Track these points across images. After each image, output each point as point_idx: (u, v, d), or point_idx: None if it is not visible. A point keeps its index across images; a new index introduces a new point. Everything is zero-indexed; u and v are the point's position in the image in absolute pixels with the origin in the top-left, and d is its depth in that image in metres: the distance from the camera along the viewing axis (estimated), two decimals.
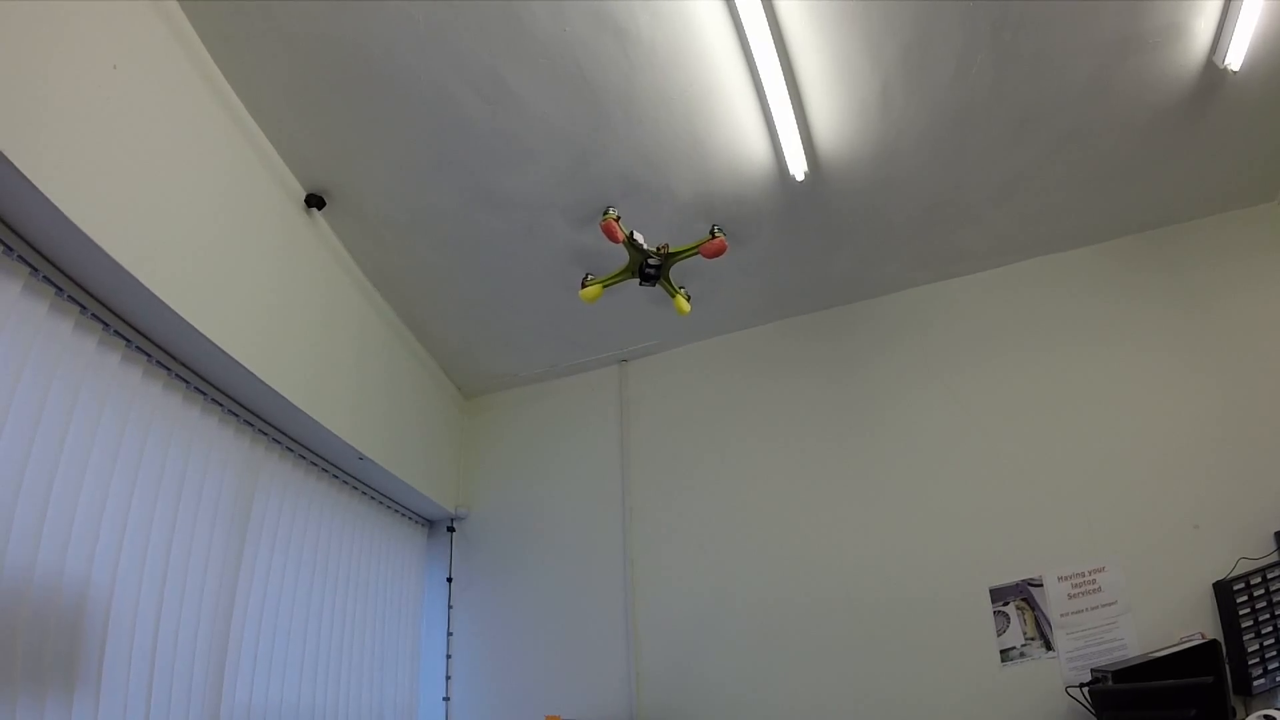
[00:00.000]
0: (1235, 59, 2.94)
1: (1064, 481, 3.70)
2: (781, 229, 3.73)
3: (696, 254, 3.26)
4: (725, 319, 4.52)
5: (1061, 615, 3.49)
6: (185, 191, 2.50)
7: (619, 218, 3.17)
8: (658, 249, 3.15)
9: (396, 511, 4.38)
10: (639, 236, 3.15)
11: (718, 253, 3.21)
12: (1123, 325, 3.88)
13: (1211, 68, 3.04)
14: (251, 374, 2.78)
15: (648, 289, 3.57)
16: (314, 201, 3.23)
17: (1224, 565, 3.31)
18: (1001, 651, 3.53)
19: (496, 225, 3.56)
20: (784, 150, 3.16)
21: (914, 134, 3.24)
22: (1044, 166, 3.50)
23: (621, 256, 3.49)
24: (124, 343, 2.46)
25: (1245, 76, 3.07)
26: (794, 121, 3.02)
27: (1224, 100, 3.23)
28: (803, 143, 3.13)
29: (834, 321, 4.45)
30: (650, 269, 3.10)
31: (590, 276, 3.28)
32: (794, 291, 4.32)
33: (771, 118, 3.00)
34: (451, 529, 4.72)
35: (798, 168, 3.21)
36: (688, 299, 3.23)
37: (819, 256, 4.01)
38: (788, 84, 2.86)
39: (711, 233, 3.18)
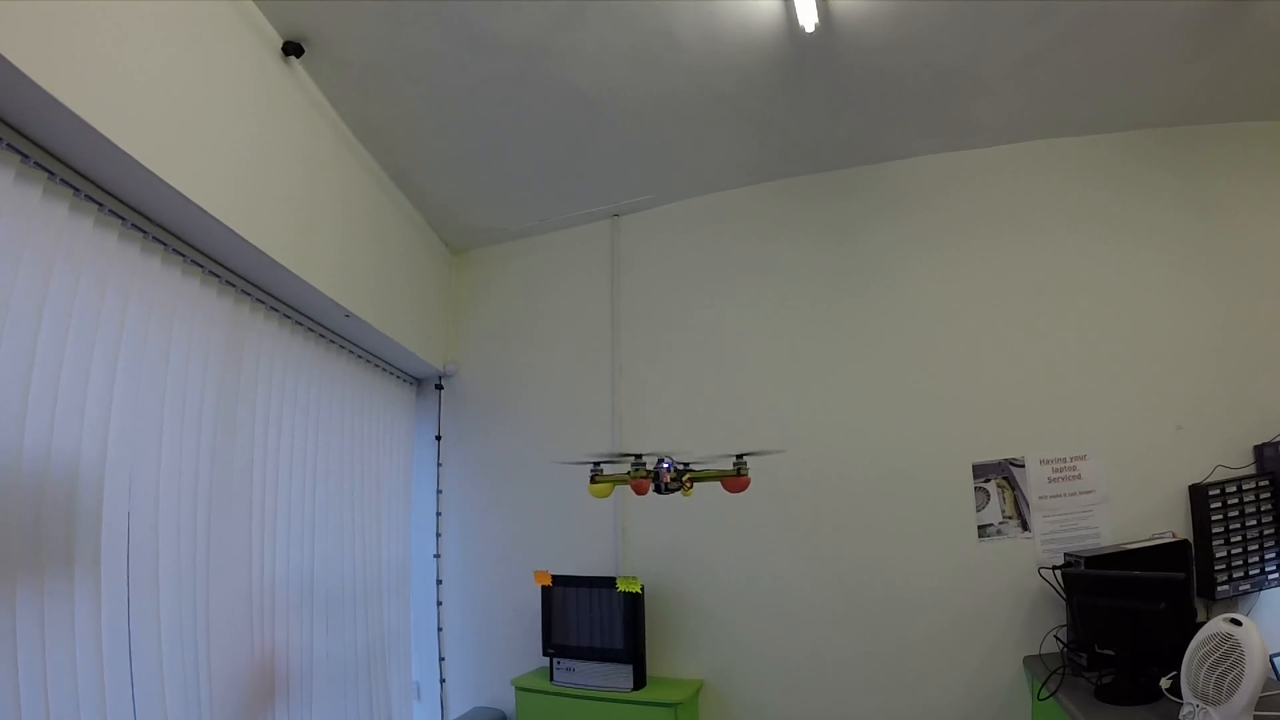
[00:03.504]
0: None
1: (1055, 367, 3.70)
2: (787, 84, 3.52)
3: (718, 481, 2.83)
4: (722, 175, 4.36)
5: (1040, 498, 3.59)
6: (151, 41, 2.29)
7: (648, 472, 2.71)
8: (680, 476, 2.73)
9: (385, 370, 4.37)
10: (665, 472, 2.70)
11: (740, 489, 2.80)
12: (1129, 219, 3.77)
13: None
14: (231, 231, 2.66)
15: None
16: (292, 49, 2.99)
17: (1202, 470, 3.38)
18: (979, 527, 3.65)
19: (487, 70, 3.34)
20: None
21: None
22: (1066, 44, 3.28)
23: None
24: (96, 207, 2.33)
25: None
26: None
27: (1260, 4, 2.99)
28: None
29: (834, 185, 4.29)
30: (668, 489, 2.71)
31: (601, 471, 2.84)
32: (795, 151, 4.14)
33: None
34: (440, 387, 4.73)
35: (808, 18, 2.99)
36: (691, 487, 2.79)
37: (824, 116, 3.81)
38: None
39: (738, 469, 2.77)
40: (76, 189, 2.24)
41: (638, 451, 2.74)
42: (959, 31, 3.21)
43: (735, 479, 2.78)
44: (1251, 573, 3.17)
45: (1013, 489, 3.63)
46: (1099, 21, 3.13)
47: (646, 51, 3.29)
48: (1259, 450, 3.34)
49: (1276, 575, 3.17)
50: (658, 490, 2.72)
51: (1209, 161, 3.76)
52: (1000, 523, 3.62)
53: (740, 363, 4.20)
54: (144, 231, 2.53)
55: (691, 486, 2.77)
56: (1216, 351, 3.53)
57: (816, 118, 3.83)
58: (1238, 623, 2.25)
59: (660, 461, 2.71)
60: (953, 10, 3.08)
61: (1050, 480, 3.58)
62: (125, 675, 2.32)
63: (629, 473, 2.72)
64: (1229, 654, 2.20)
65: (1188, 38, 3.22)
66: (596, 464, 2.84)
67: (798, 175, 4.36)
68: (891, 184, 4.18)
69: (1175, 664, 2.41)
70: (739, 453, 2.77)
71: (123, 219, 2.43)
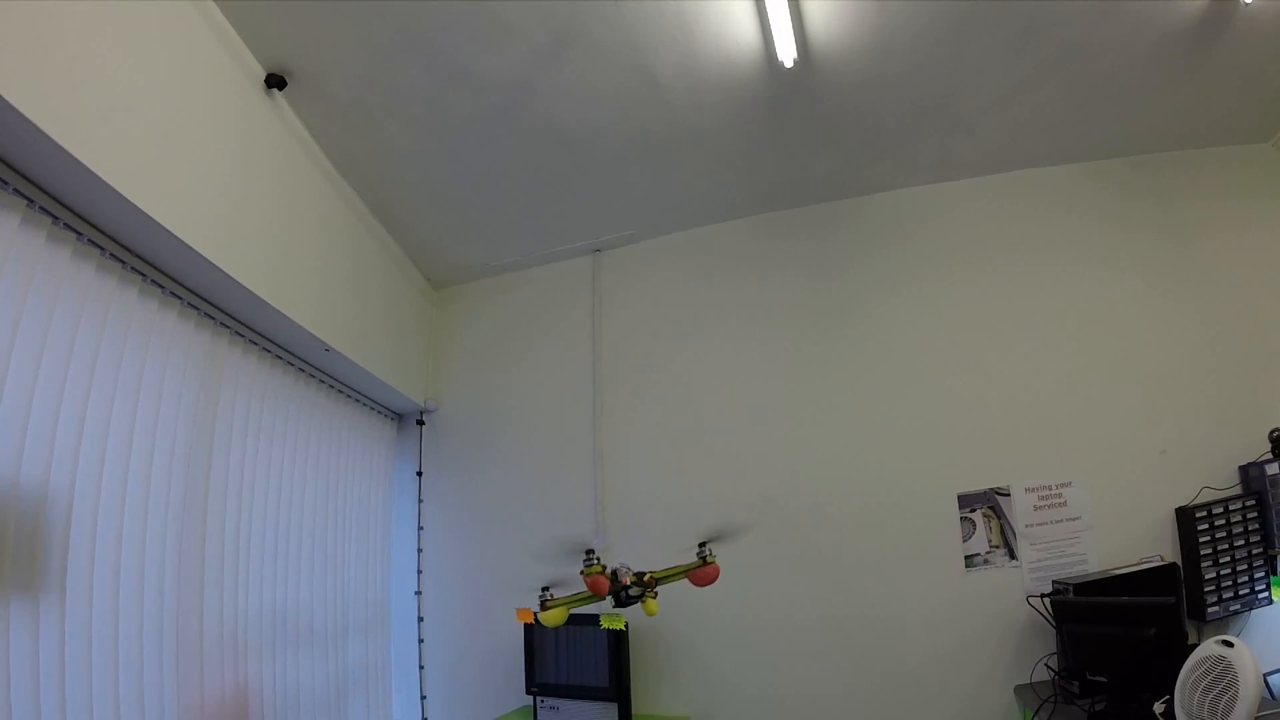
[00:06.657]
0: None
1: (1037, 395, 3.72)
2: (766, 119, 3.56)
3: (683, 578, 2.61)
4: (704, 211, 4.38)
5: (1026, 526, 3.58)
6: (134, 70, 2.28)
7: (604, 567, 2.53)
8: (641, 578, 2.54)
9: (365, 405, 4.32)
10: (623, 573, 2.55)
11: (709, 581, 2.57)
12: (1108, 248, 3.84)
13: None
14: (209, 262, 2.62)
15: None
16: (275, 82, 2.99)
17: (1188, 493, 3.39)
18: (966, 557, 3.62)
19: (470, 107, 3.35)
20: (774, 35, 2.97)
21: (911, 31, 3.06)
22: (1042, 79, 3.36)
23: None
24: (75, 236, 2.30)
25: (1257, 10, 2.95)
26: (786, 5, 2.83)
27: (1233, 33, 3.11)
28: (794, 28, 2.95)
29: (815, 220, 4.33)
30: (629, 598, 2.52)
31: (550, 596, 2.65)
32: (776, 186, 4.19)
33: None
34: (421, 422, 4.67)
35: (787, 54, 3.03)
36: (655, 598, 2.58)
37: (803, 151, 3.86)
38: None
39: (703, 558, 2.57)
40: (55, 217, 2.21)
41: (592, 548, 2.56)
42: (936, 68, 3.28)
43: (702, 570, 2.55)
44: (1241, 592, 3.16)
45: (999, 518, 3.62)
46: (1075, 54, 3.22)
47: (628, 89, 3.32)
48: (1244, 470, 3.36)
49: (1266, 594, 3.17)
50: (617, 601, 2.52)
51: (1184, 187, 3.85)
52: (987, 552, 3.60)
53: (723, 397, 4.18)
54: (122, 262, 2.49)
55: (655, 595, 2.53)
56: (1198, 374, 3.57)
57: (796, 153, 3.87)
58: (1229, 644, 2.23)
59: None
60: (930, 48, 3.15)
61: (1036, 508, 3.58)
62: (89, 709, 2.23)
63: (583, 570, 2.49)
64: (1222, 676, 2.19)
65: (1164, 66, 3.30)
66: (545, 589, 2.66)
67: (778, 210, 4.39)
68: (871, 218, 4.23)
69: (1168, 689, 2.38)
70: (702, 540, 2.57)
71: (101, 249, 2.40)
